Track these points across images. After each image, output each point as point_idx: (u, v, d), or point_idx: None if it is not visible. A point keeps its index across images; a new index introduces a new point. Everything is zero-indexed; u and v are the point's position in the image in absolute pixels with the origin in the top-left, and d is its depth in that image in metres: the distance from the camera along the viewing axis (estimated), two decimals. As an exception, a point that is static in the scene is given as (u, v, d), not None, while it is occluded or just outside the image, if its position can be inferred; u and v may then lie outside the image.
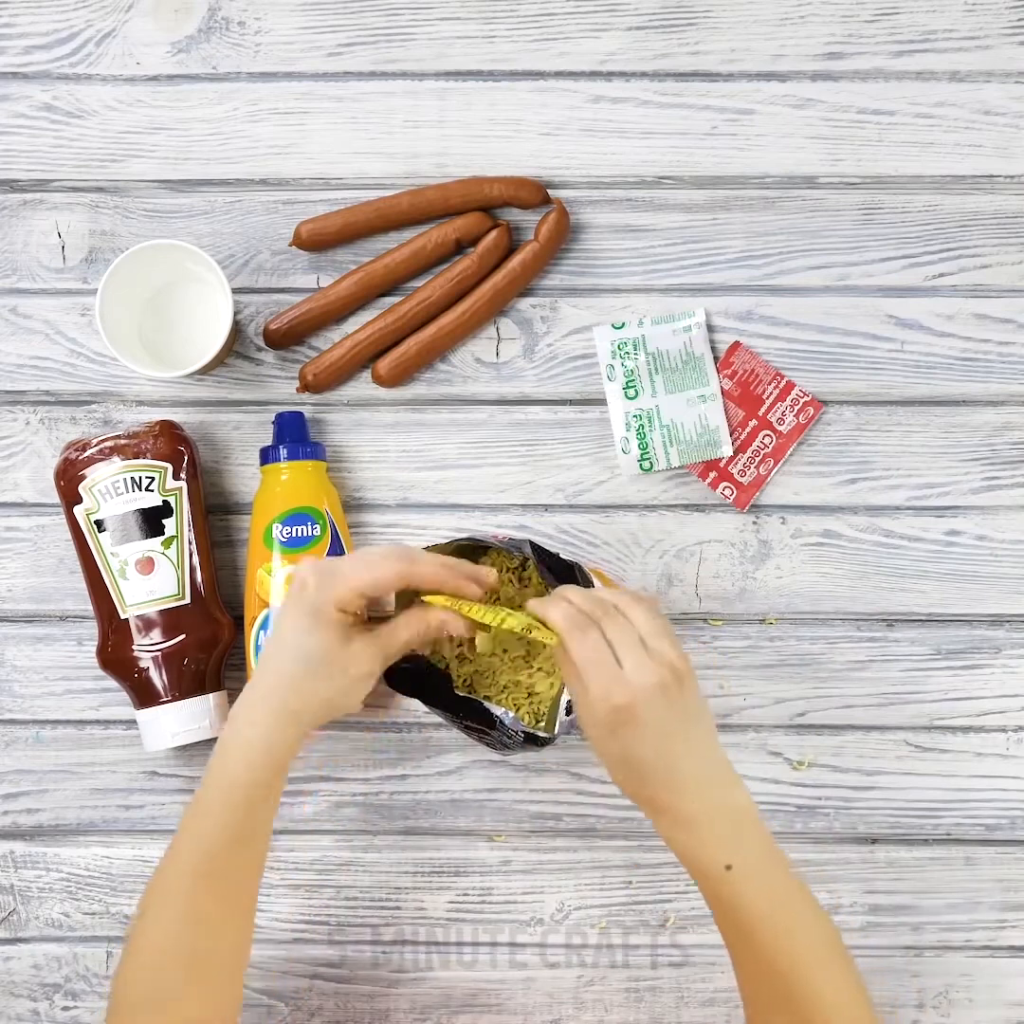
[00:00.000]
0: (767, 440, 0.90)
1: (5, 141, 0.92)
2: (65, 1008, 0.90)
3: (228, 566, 0.91)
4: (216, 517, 0.91)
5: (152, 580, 0.86)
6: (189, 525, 0.87)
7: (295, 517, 0.87)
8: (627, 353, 0.88)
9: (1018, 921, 0.90)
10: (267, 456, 0.88)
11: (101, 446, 0.86)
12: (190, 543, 0.87)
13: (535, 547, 0.78)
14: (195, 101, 0.92)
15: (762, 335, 0.91)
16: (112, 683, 0.88)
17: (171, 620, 0.86)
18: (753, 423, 0.90)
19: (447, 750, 0.91)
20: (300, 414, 0.89)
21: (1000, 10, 0.91)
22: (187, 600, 0.86)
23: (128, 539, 0.85)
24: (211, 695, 0.87)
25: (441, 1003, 0.90)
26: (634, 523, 0.91)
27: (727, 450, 0.90)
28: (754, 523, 0.91)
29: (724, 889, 0.71)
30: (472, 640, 0.84)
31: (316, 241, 0.90)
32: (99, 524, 0.86)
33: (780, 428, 0.90)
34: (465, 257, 0.90)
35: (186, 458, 0.87)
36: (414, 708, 0.90)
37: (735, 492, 0.90)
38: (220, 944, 0.73)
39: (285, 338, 0.90)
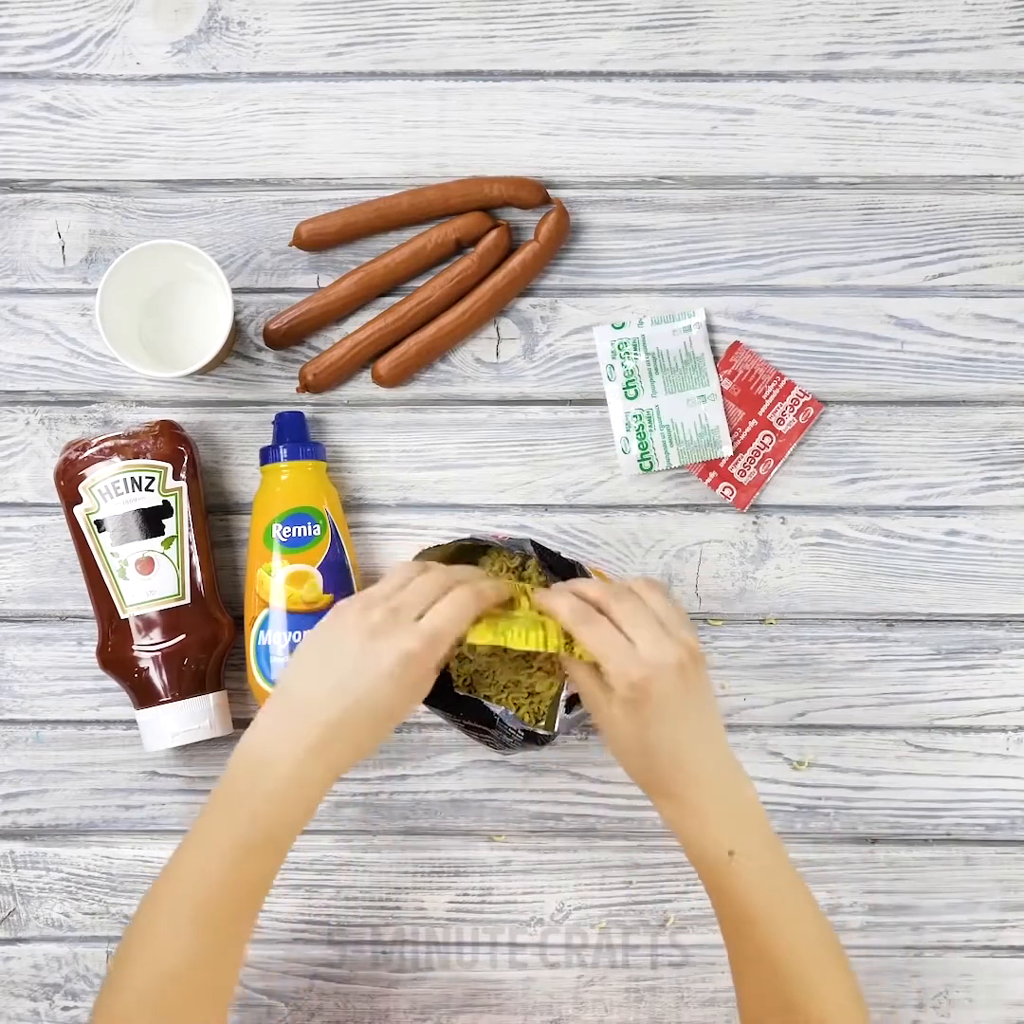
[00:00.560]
0: (767, 440, 0.90)
1: (5, 141, 0.92)
2: (65, 1008, 0.90)
3: (228, 566, 0.91)
4: (216, 517, 0.91)
5: (152, 580, 0.86)
6: (189, 525, 0.87)
7: (295, 517, 0.87)
8: (627, 353, 0.88)
9: (1018, 921, 0.90)
10: (267, 456, 0.88)
11: (101, 446, 0.86)
12: (190, 543, 0.87)
13: (536, 546, 0.78)
14: (195, 101, 0.92)
15: (762, 335, 0.91)
16: (112, 683, 0.88)
17: (171, 620, 0.86)
18: (753, 423, 0.90)
19: (447, 750, 0.91)
20: (300, 414, 0.89)
21: (1000, 10, 0.91)
22: (187, 600, 0.86)
23: (128, 539, 0.85)
24: (211, 695, 0.87)
25: (441, 1003, 0.90)
26: (634, 523, 0.91)
27: (727, 450, 0.90)
28: (754, 523, 0.91)
29: (725, 877, 0.71)
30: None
31: (316, 241, 0.90)
32: (99, 524, 0.86)
33: (780, 428, 0.90)
34: (465, 257, 0.90)
35: (186, 458, 0.87)
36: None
37: (735, 492, 0.90)
38: (205, 992, 0.70)
39: (285, 338, 0.90)
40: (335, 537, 0.87)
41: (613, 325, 0.89)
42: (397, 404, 0.91)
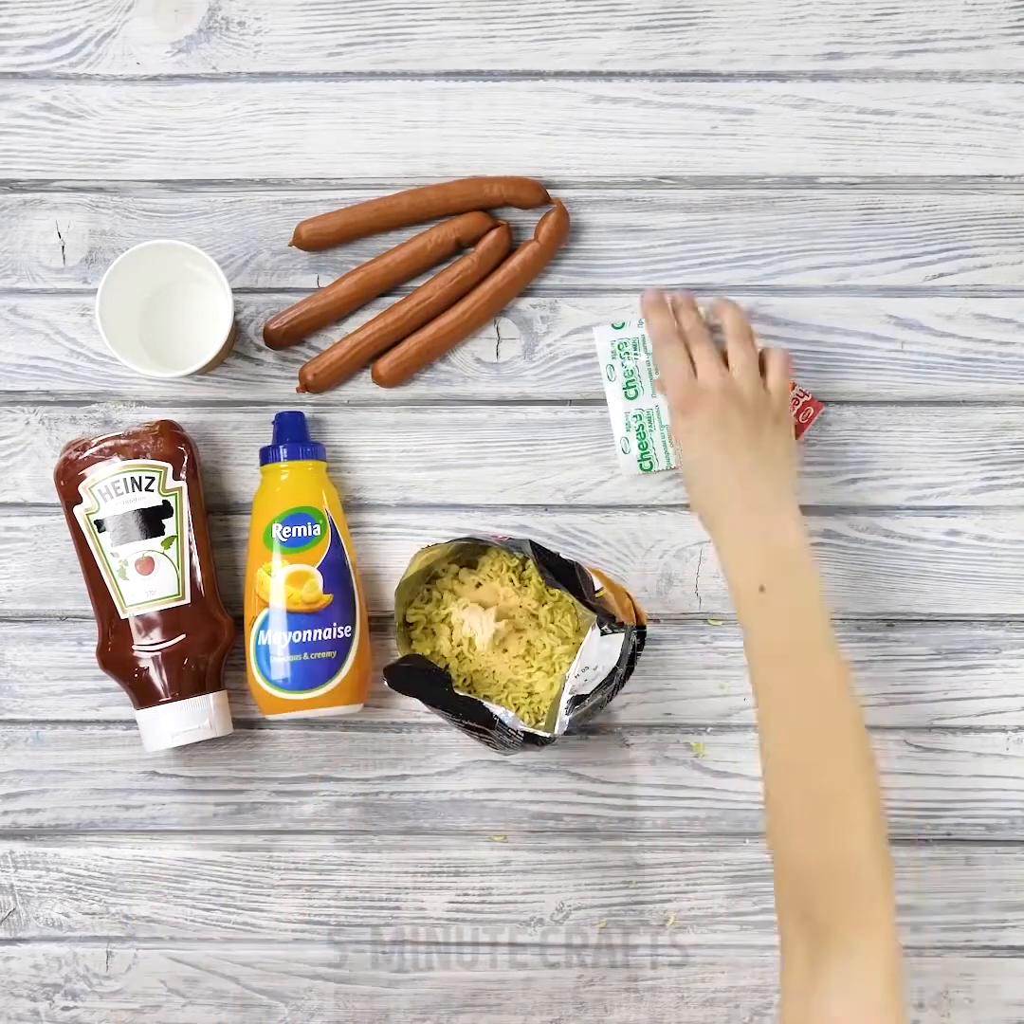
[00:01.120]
0: (767, 440, 0.90)
1: (5, 141, 0.92)
2: (65, 1008, 0.90)
3: (228, 566, 0.91)
4: (216, 517, 0.91)
5: (152, 580, 0.86)
6: (189, 525, 0.87)
7: (295, 517, 0.87)
8: (627, 353, 0.88)
9: (1018, 921, 0.90)
10: (267, 456, 0.88)
11: (101, 446, 0.86)
12: (190, 543, 0.87)
13: (535, 547, 0.79)
14: (195, 101, 0.92)
15: (762, 335, 0.91)
16: (112, 683, 0.88)
17: (171, 620, 0.86)
18: (753, 423, 0.90)
19: (447, 750, 0.91)
20: (300, 414, 0.89)
21: (1000, 10, 0.91)
22: (187, 600, 0.86)
23: (128, 539, 0.85)
24: (211, 695, 0.87)
25: (441, 1003, 0.90)
26: (634, 523, 0.91)
27: None
28: (754, 523, 0.91)
29: (751, 610, 0.75)
30: (472, 640, 0.84)
31: (316, 241, 0.90)
32: (99, 524, 0.86)
33: (780, 428, 0.90)
34: (465, 257, 0.90)
35: (186, 458, 0.87)
36: (414, 708, 0.90)
37: (735, 492, 0.90)
38: None
39: (285, 338, 0.90)
40: (335, 537, 0.87)
41: (613, 325, 0.89)
42: (397, 404, 0.91)
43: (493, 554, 0.84)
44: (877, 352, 0.91)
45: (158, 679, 0.85)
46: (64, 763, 0.91)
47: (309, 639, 0.85)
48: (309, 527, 0.86)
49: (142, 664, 0.85)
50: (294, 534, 0.86)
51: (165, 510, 0.86)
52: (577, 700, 0.78)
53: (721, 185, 0.91)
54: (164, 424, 0.88)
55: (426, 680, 0.80)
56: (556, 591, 0.85)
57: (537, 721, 0.82)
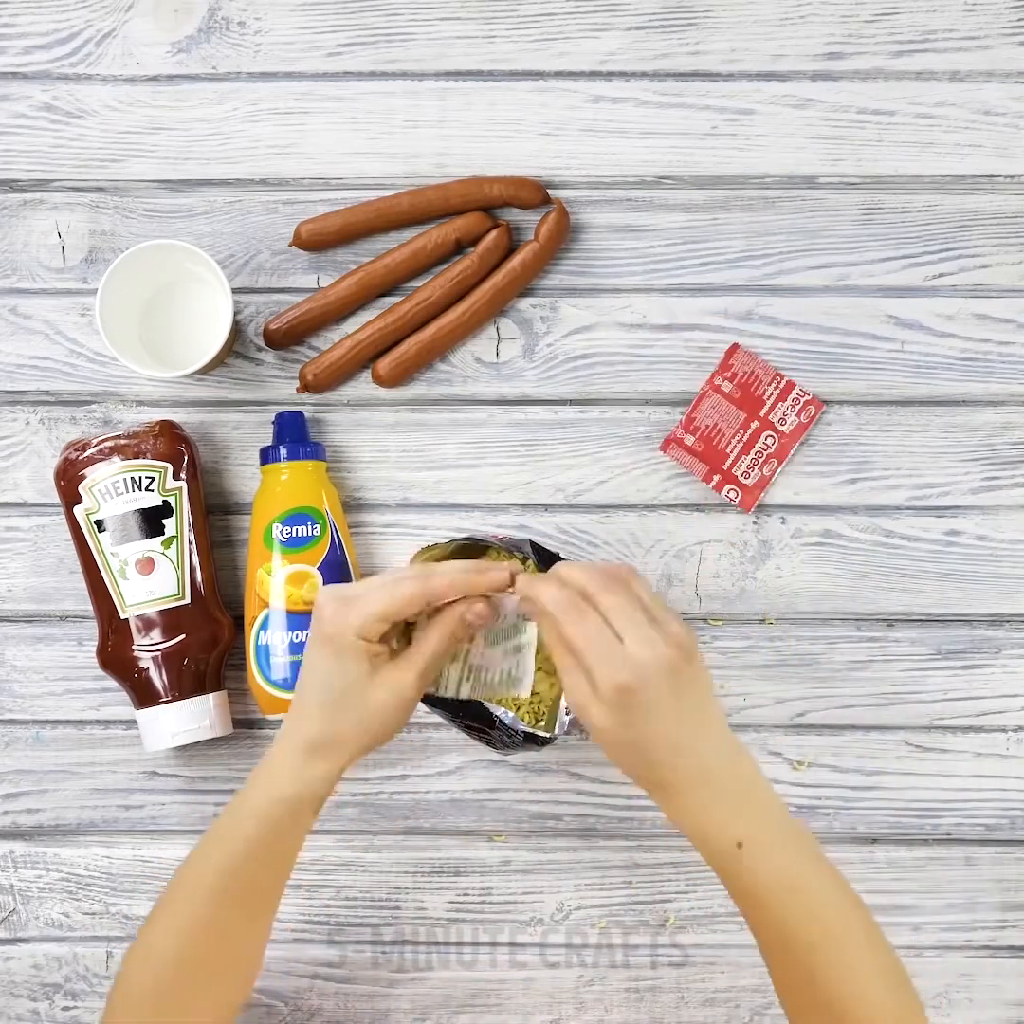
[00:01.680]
0: (769, 441, 0.90)
1: (5, 141, 0.92)
2: (65, 1008, 0.90)
3: (228, 566, 0.91)
4: (216, 517, 0.91)
5: (152, 580, 0.86)
6: (189, 525, 0.87)
7: (295, 517, 0.87)
8: None
9: (1018, 921, 0.90)
10: (267, 456, 0.88)
11: (101, 446, 0.86)
12: (190, 543, 0.87)
13: (535, 547, 0.78)
14: (195, 101, 0.92)
15: (762, 335, 0.91)
16: (112, 683, 0.88)
17: (171, 620, 0.86)
18: (755, 424, 0.90)
19: (447, 750, 0.91)
20: (300, 414, 0.89)
21: (1000, 10, 0.91)
22: (187, 600, 0.86)
23: (128, 539, 0.85)
24: (211, 695, 0.87)
25: (441, 1003, 0.90)
26: (634, 523, 0.91)
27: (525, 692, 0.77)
28: (754, 523, 0.91)
29: (736, 867, 0.68)
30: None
31: (316, 241, 0.90)
32: (99, 524, 0.86)
33: (782, 428, 0.90)
34: (465, 257, 0.90)
35: (186, 458, 0.87)
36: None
37: (740, 494, 0.90)
38: (232, 955, 0.72)
39: (285, 338, 0.90)
40: (335, 537, 0.87)
41: None
42: (397, 404, 0.91)
43: (493, 554, 0.84)
44: (877, 352, 0.91)
45: (158, 679, 0.85)
46: (64, 763, 0.91)
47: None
48: (309, 527, 0.86)
49: (142, 664, 0.85)
50: (294, 534, 0.86)
51: (165, 510, 0.86)
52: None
53: (721, 185, 0.91)
54: (164, 424, 0.88)
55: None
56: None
57: (537, 721, 0.82)
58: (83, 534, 0.86)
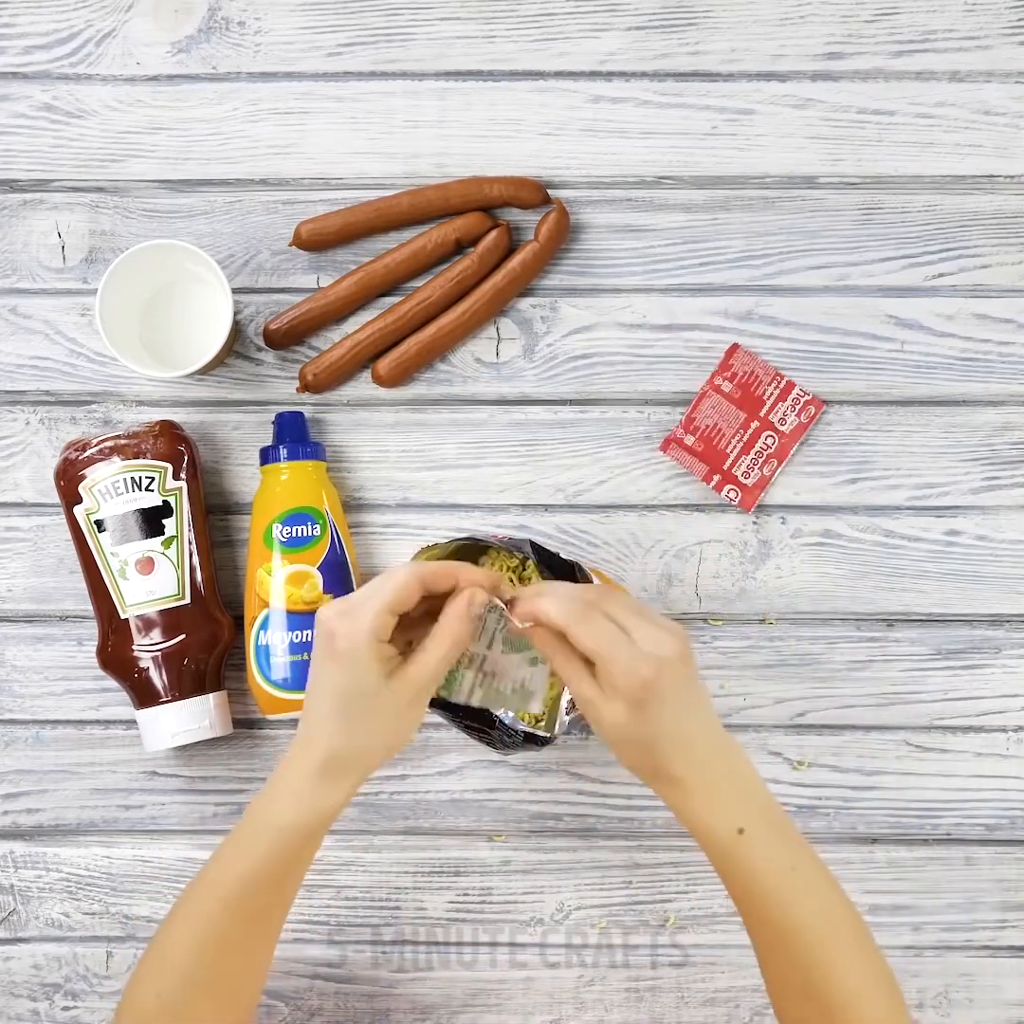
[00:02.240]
0: (769, 441, 0.90)
1: (5, 141, 0.92)
2: (65, 1008, 0.90)
3: (228, 566, 0.91)
4: (216, 517, 0.91)
5: (152, 580, 0.86)
6: (189, 525, 0.87)
7: (295, 517, 0.87)
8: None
9: (1018, 921, 0.90)
10: (267, 456, 0.88)
11: (101, 446, 0.86)
12: (190, 543, 0.87)
13: (535, 546, 0.78)
14: (195, 101, 0.92)
15: (762, 335, 0.91)
16: (112, 683, 0.88)
17: (171, 620, 0.86)
18: (755, 424, 0.90)
19: (447, 750, 0.91)
20: (300, 414, 0.89)
21: (1000, 10, 0.91)
22: (187, 600, 0.86)
23: (128, 539, 0.85)
24: (211, 695, 0.87)
25: (441, 1003, 0.90)
26: (634, 523, 0.91)
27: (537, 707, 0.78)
28: (754, 523, 0.91)
29: (736, 857, 0.69)
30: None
31: (316, 241, 0.90)
32: (99, 524, 0.86)
33: (782, 428, 0.90)
34: (465, 257, 0.90)
35: (186, 458, 0.87)
36: (414, 708, 0.90)
37: (740, 494, 0.90)
38: (242, 970, 0.72)
39: (285, 338, 0.90)
40: (335, 537, 0.87)
41: None
42: (397, 404, 0.91)
43: (493, 554, 0.84)
44: (877, 352, 0.91)
45: (158, 679, 0.85)
46: (64, 763, 0.91)
47: (309, 639, 0.85)
48: (309, 527, 0.86)
49: (142, 664, 0.85)
50: (294, 534, 0.86)
51: (165, 510, 0.86)
52: (577, 700, 0.78)
53: (721, 185, 0.91)
54: (164, 424, 0.88)
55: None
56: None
57: (537, 721, 0.82)
58: (83, 534, 0.86)
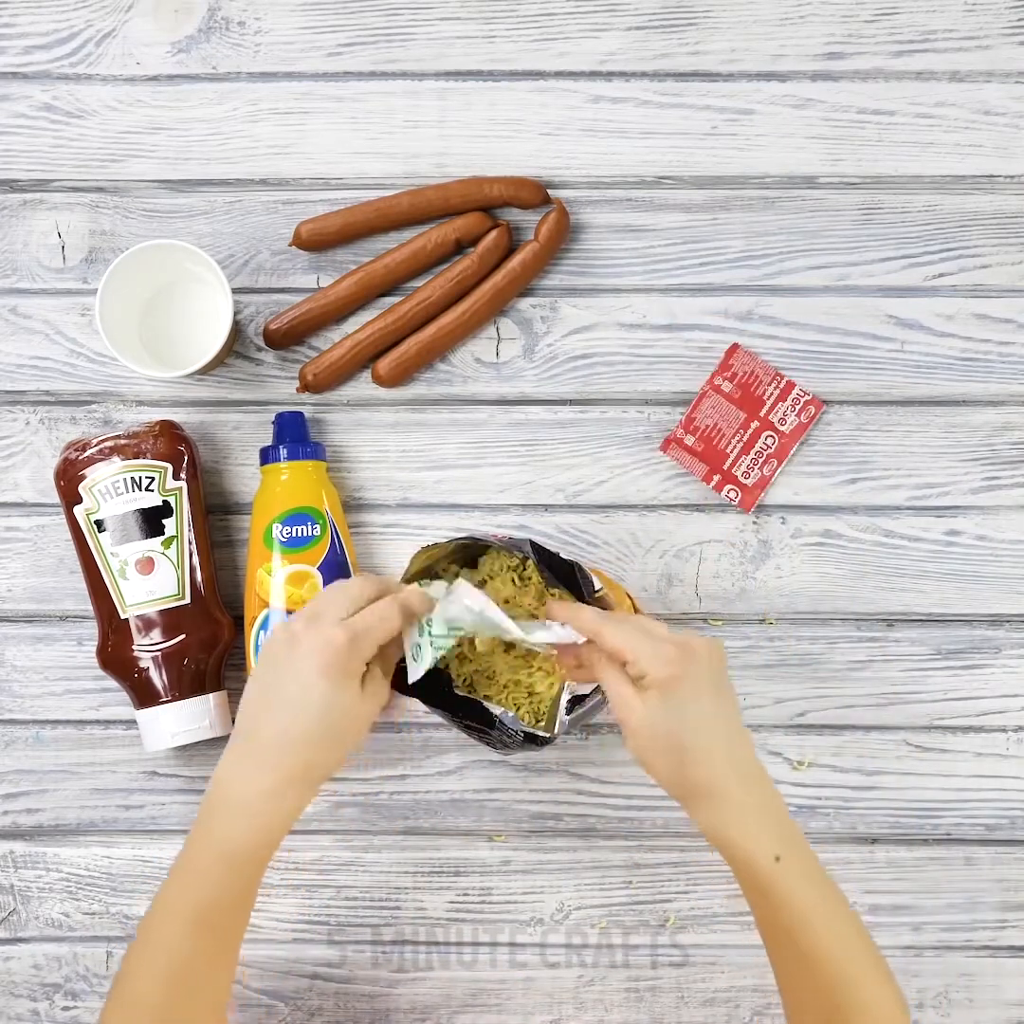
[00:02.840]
0: (769, 441, 0.90)
1: (5, 141, 0.92)
2: (65, 1008, 0.90)
3: (228, 566, 0.91)
4: (216, 517, 0.91)
5: (152, 580, 0.86)
6: (189, 525, 0.87)
7: (295, 517, 0.87)
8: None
9: (1018, 921, 0.90)
10: (267, 456, 0.88)
11: (101, 446, 0.86)
12: (190, 543, 0.87)
13: (535, 546, 0.78)
14: (195, 101, 0.92)
15: (762, 335, 0.91)
16: (112, 683, 0.88)
17: (171, 620, 0.86)
18: (755, 424, 0.90)
19: (447, 750, 0.91)
20: (300, 414, 0.89)
21: (1000, 10, 0.91)
22: (187, 600, 0.86)
23: (128, 539, 0.85)
24: (211, 695, 0.87)
25: (441, 1003, 0.90)
26: (634, 523, 0.91)
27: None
28: (754, 523, 0.91)
29: (770, 881, 0.70)
30: (472, 640, 0.84)
31: (316, 241, 0.90)
32: (99, 524, 0.86)
33: (782, 428, 0.90)
34: (465, 257, 0.90)
35: (186, 458, 0.87)
36: (414, 708, 0.90)
37: (740, 494, 0.90)
38: (209, 986, 0.72)
39: (285, 338, 0.90)
40: (335, 537, 0.87)
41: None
42: (397, 404, 0.91)
43: (493, 554, 0.84)
44: (877, 352, 0.91)
45: (158, 679, 0.85)
46: (64, 763, 0.91)
47: (309, 639, 0.85)
48: (309, 527, 0.86)
49: (142, 664, 0.85)
50: (294, 534, 0.86)
51: (165, 510, 0.86)
52: (577, 700, 0.78)
53: (721, 185, 0.91)
54: (164, 424, 0.88)
55: (426, 680, 0.80)
56: (556, 590, 0.84)
57: (537, 721, 0.82)
58: (83, 534, 0.86)
